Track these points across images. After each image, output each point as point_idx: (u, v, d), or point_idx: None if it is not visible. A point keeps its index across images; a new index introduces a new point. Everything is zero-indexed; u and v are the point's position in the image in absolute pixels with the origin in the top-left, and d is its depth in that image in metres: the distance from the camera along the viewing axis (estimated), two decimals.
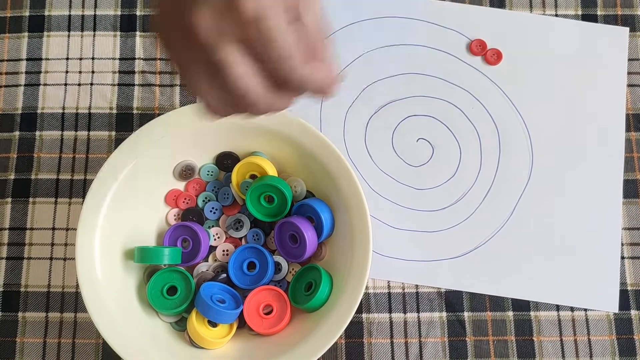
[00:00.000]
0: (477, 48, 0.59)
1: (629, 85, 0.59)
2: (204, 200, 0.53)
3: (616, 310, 0.54)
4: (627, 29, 0.60)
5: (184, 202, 0.53)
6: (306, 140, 0.50)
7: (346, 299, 0.47)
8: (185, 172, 0.53)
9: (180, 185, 0.54)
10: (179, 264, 0.50)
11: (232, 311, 0.48)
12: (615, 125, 0.58)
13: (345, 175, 0.49)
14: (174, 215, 0.53)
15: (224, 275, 0.51)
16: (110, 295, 0.48)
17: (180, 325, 0.50)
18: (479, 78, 0.59)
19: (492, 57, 0.59)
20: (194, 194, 0.54)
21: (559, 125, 0.58)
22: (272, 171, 0.52)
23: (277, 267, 0.51)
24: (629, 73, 0.59)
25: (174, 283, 0.50)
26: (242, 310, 0.49)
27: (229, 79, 0.32)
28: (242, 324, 0.50)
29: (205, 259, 0.53)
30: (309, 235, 0.50)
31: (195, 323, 0.48)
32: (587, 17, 0.61)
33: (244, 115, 0.35)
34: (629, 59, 0.60)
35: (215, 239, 0.53)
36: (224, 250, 0.53)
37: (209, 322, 0.48)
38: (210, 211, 0.53)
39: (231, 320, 0.49)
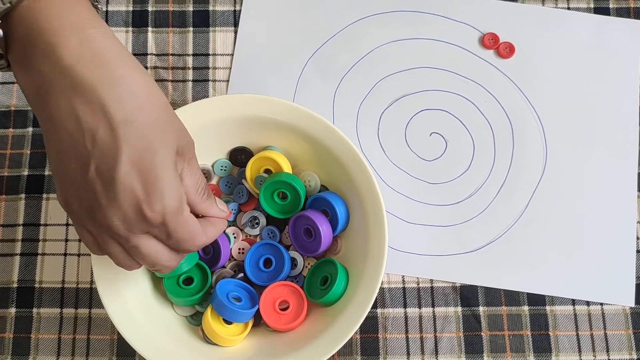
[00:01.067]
0: (490, 42, 0.59)
1: None
2: None
3: (632, 304, 0.54)
4: None
5: None
6: (320, 134, 0.50)
7: (362, 294, 0.47)
8: None
9: None
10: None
11: (247, 311, 0.48)
12: (629, 118, 0.58)
13: (359, 169, 0.49)
14: None
15: (242, 274, 0.50)
16: (126, 289, 0.47)
17: (196, 319, 0.50)
18: (492, 72, 0.59)
19: (505, 50, 0.59)
20: None
21: (573, 119, 0.58)
22: (286, 166, 0.51)
23: (293, 262, 0.51)
24: None
25: (191, 273, 0.50)
26: (258, 308, 0.49)
27: (141, 256, 0.38)
28: (258, 321, 0.50)
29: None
30: (324, 228, 0.50)
31: (211, 320, 0.47)
32: (599, 10, 0.61)
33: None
34: None
35: (232, 239, 0.53)
36: (240, 249, 0.52)
37: (225, 319, 0.48)
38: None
39: (247, 319, 0.48)
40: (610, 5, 0.61)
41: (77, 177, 0.35)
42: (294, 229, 0.51)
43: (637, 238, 0.55)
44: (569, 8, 0.61)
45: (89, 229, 0.38)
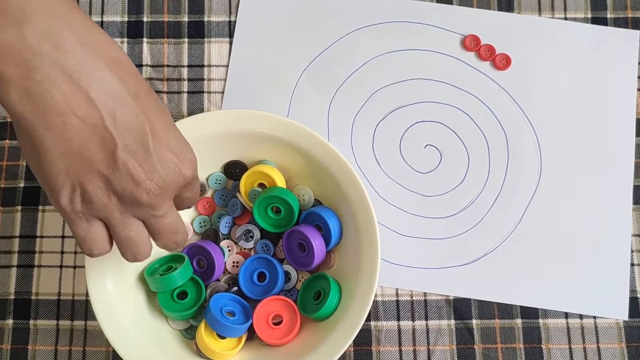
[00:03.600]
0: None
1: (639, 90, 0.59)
2: (218, 218, 0.54)
3: (626, 318, 0.54)
4: (638, 32, 0.60)
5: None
6: (314, 150, 0.50)
7: (355, 308, 0.47)
8: None
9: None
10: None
11: (241, 326, 0.48)
12: (626, 130, 0.58)
13: (352, 184, 0.49)
14: None
15: (236, 288, 0.51)
16: (120, 304, 0.48)
17: (190, 333, 0.50)
18: (488, 83, 0.59)
19: (501, 62, 0.59)
20: (205, 212, 0.54)
21: (568, 131, 0.58)
22: (280, 180, 0.52)
23: (287, 276, 0.52)
24: (639, 77, 0.59)
25: (185, 288, 0.50)
26: (251, 323, 0.49)
27: (167, 227, 0.40)
28: (251, 335, 0.50)
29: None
30: (317, 243, 0.50)
31: (204, 334, 0.48)
32: (596, 20, 0.60)
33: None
34: None
35: (227, 252, 0.53)
36: (234, 262, 0.53)
37: (218, 334, 0.49)
38: (225, 226, 0.53)
39: (240, 334, 0.49)
40: (608, 16, 0.60)
41: (102, 163, 0.35)
42: (287, 243, 0.52)
43: (632, 251, 0.55)
44: (566, 18, 0.60)
45: (110, 217, 0.37)
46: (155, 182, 0.36)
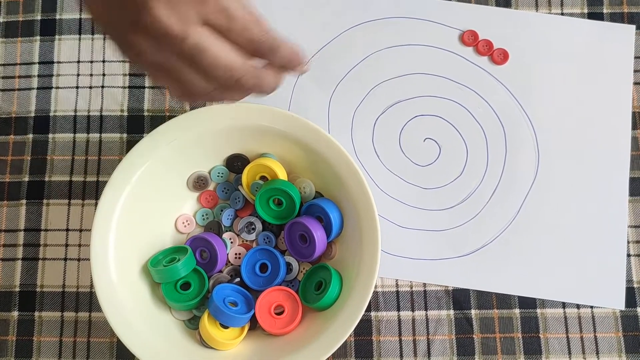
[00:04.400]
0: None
1: (635, 83, 0.59)
2: (221, 211, 0.54)
3: (622, 308, 0.55)
4: (634, 26, 0.61)
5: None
6: (315, 143, 0.50)
7: (356, 298, 0.48)
8: (198, 183, 0.54)
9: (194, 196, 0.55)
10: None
11: (243, 315, 0.49)
12: (622, 123, 0.59)
13: (353, 177, 0.50)
14: (183, 223, 0.54)
15: (238, 279, 0.52)
16: (125, 295, 0.49)
17: (193, 323, 0.51)
18: (486, 78, 0.59)
19: (499, 56, 0.60)
20: (208, 205, 0.55)
21: (565, 124, 0.59)
22: (281, 173, 0.52)
23: (288, 267, 0.52)
24: (635, 71, 0.60)
25: (188, 279, 0.51)
26: (254, 313, 0.50)
27: (208, 61, 0.33)
28: (254, 325, 0.51)
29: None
30: (318, 234, 0.51)
31: (207, 324, 0.49)
32: (593, 15, 0.61)
33: (237, 96, 0.37)
34: (636, 57, 0.60)
35: (229, 244, 0.54)
36: (236, 254, 0.53)
37: (221, 323, 0.49)
38: (227, 218, 0.54)
39: (243, 323, 0.50)
40: (604, 11, 0.61)
41: None
42: (289, 234, 0.52)
43: (628, 242, 0.56)
44: (562, 14, 0.61)
45: (140, 51, 0.34)
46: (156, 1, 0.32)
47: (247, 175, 0.53)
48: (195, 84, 0.36)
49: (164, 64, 0.35)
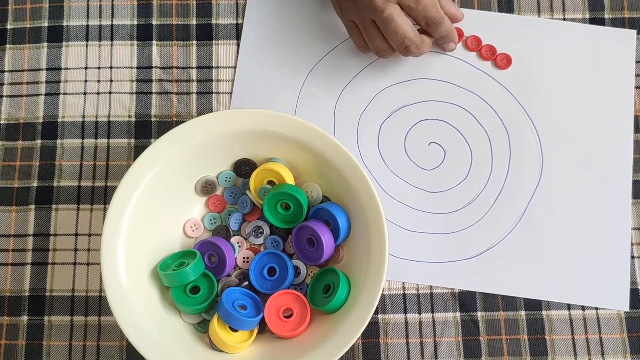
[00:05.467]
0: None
1: (637, 87, 0.60)
2: (228, 215, 0.55)
3: (627, 309, 0.56)
4: (635, 31, 0.61)
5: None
6: (322, 147, 0.51)
7: (364, 301, 0.48)
8: (206, 188, 0.55)
9: (202, 201, 0.56)
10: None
11: (252, 319, 0.49)
12: (624, 127, 0.59)
13: (360, 181, 0.50)
14: (191, 227, 0.55)
15: (246, 282, 0.52)
16: (134, 298, 0.49)
17: (203, 327, 0.52)
18: (490, 82, 0.60)
19: (502, 61, 0.60)
20: (215, 209, 0.55)
21: (569, 128, 0.59)
22: (288, 177, 0.53)
23: (296, 270, 0.53)
24: (636, 75, 0.60)
25: (197, 283, 0.51)
26: (262, 316, 0.50)
27: (393, 28, 0.53)
28: (262, 328, 0.51)
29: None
30: (326, 238, 0.51)
31: (217, 327, 0.49)
32: (594, 21, 0.62)
33: (402, 52, 0.56)
34: (637, 61, 0.61)
35: (237, 248, 0.54)
36: (244, 258, 0.54)
37: (231, 327, 0.50)
38: (235, 223, 0.55)
39: (252, 327, 0.50)
40: (605, 16, 0.62)
41: None
42: (297, 238, 0.53)
43: (632, 244, 0.57)
44: (564, 19, 0.62)
45: (349, 13, 0.55)
46: None
47: (254, 179, 0.54)
48: (375, 41, 0.55)
49: (361, 22, 0.55)
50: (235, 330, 0.50)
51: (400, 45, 0.54)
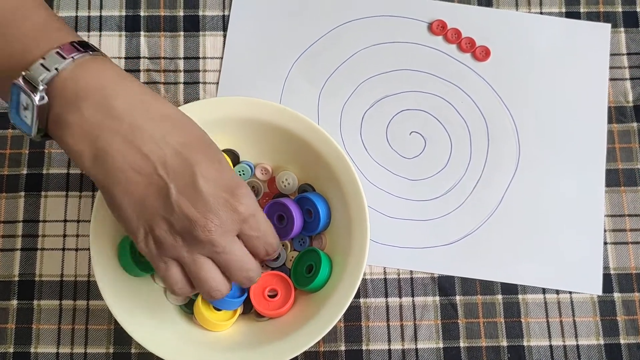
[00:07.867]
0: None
1: (611, 79, 0.62)
2: None
3: (600, 293, 0.58)
4: (609, 25, 0.63)
5: None
6: (306, 134, 0.52)
7: (346, 283, 0.50)
8: None
9: None
10: None
11: (236, 299, 0.51)
12: (598, 118, 0.61)
13: (343, 168, 0.52)
14: None
15: None
16: (123, 283, 0.50)
17: (189, 308, 0.53)
18: (469, 74, 0.62)
19: (481, 54, 0.62)
20: None
21: (545, 118, 0.61)
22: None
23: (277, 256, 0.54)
24: (610, 67, 0.62)
25: None
26: (247, 296, 0.52)
27: (235, 263, 0.42)
28: (247, 309, 0.53)
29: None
30: (296, 213, 0.52)
31: (202, 306, 0.51)
32: (570, 14, 0.64)
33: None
34: (611, 54, 0.63)
35: None
36: None
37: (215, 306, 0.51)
38: None
39: (235, 307, 0.51)
40: (581, 10, 0.64)
41: (161, 208, 0.40)
42: (267, 216, 0.54)
43: (605, 231, 0.59)
44: (541, 13, 0.64)
45: (180, 257, 0.41)
46: (209, 219, 0.40)
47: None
48: (213, 279, 0.42)
49: (181, 259, 0.42)
50: (219, 310, 0.51)
51: (245, 280, 0.45)
